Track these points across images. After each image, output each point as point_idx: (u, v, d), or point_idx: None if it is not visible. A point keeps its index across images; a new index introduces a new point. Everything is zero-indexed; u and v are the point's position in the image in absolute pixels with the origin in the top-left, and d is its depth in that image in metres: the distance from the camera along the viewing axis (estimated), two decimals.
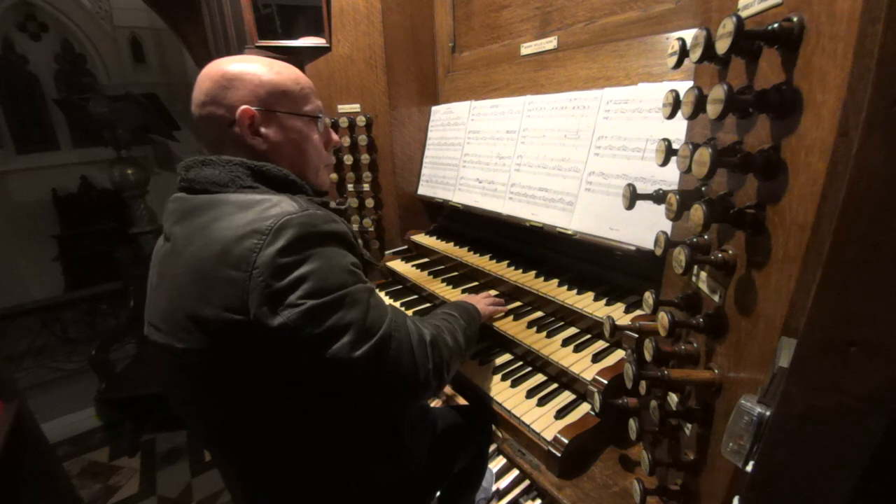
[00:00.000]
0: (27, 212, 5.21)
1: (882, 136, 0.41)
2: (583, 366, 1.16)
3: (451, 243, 1.93)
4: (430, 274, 1.83)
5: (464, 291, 1.65)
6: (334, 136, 1.05)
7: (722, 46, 0.54)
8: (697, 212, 0.58)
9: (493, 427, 1.22)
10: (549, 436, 1.06)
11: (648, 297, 0.81)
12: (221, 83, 0.86)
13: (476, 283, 1.70)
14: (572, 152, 1.39)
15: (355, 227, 2.15)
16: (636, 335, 0.93)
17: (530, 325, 1.37)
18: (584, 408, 1.15)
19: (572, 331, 1.33)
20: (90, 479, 2.85)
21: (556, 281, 1.46)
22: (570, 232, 1.36)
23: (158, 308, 0.82)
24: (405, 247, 2.13)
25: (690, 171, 0.60)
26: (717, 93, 0.54)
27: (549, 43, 1.55)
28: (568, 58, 1.49)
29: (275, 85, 0.90)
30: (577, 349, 1.23)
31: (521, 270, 1.57)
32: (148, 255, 1.27)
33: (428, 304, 1.72)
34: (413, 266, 1.94)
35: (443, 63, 2.09)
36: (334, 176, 2.08)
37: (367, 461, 0.95)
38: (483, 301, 1.37)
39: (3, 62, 5.09)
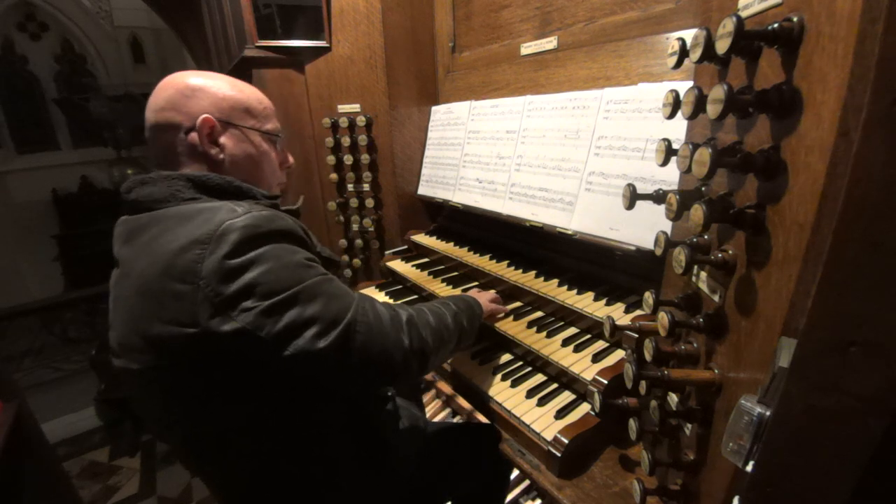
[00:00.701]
0: (27, 212, 5.21)
1: (882, 136, 0.41)
2: (583, 366, 1.16)
3: (451, 243, 1.93)
4: (430, 274, 1.84)
5: (464, 291, 1.64)
6: (290, 158, 1.06)
7: (722, 46, 0.54)
8: (697, 212, 0.58)
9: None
10: (549, 436, 1.06)
11: (648, 297, 0.81)
12: (184, 92, 0.85)
13: (476, 283, 1.70)
14: (572, 152, 1.39)
15: (355, 227, 2.15)
16: (636, 335, 0.92)
17: (530, 325, 1.37)
18: (584, 408, 1.15)
19: (572, 331, 1.33)
20: (90, 479, 2.86)
21: (556, 281, 1.46)
22: (570, 232, 1.36)
23: (115, 333, 0.81)
24: (405, 247, 2.13)
25: (690, 171, 0.60)
26: (717, 93, 0.54)
27: (549, 43, 1.55)
28: (568, 58, 1.49)
29: (238, 100, 0.90)
30: (577, 349, 1.23)
31: (521, 270, 1.57)
32: None
33: None
34: (413, 266, 1.94)
35: (443, 63, 2.09)
36: (334, 176, 2.07)
37: (351, 458, 0.94)
38: (487, 297, 1.37)
39: (3, 62, 5.10)
